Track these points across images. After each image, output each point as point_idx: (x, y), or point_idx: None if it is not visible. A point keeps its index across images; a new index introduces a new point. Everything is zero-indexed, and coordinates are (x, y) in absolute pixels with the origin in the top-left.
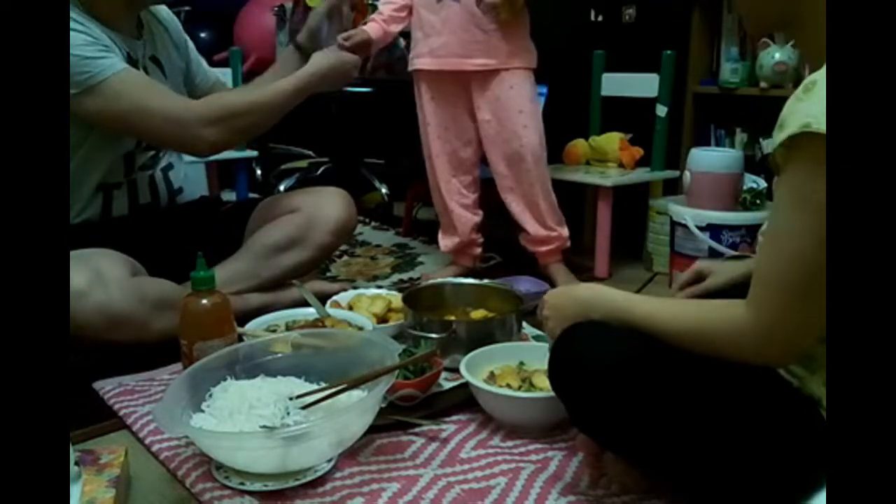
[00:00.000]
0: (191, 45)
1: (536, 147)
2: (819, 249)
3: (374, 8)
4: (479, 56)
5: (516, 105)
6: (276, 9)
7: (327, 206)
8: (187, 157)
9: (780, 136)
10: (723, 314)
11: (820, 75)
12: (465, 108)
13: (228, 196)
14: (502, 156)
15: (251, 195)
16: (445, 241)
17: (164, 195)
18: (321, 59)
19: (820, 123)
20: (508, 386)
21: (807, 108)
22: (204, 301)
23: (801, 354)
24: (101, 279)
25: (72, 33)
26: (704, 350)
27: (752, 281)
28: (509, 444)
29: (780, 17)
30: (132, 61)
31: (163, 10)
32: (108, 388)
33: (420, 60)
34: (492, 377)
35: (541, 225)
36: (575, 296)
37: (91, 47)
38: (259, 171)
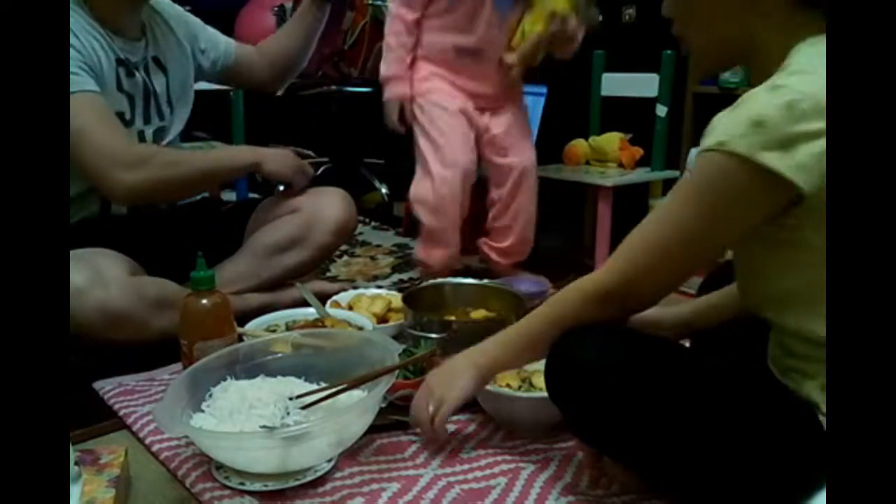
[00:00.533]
0: (201, 30)
1: (534, 165)
2: (693, 242)
3: (375, 8)
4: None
5: (517, 125)
6: (276, 9)
7: (327, 206)
8: None
9: (704, 142)
10: (576, 288)
11: (753, 91)
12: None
13: (228, 196)
14: (504, 170)
15: (251, 195)
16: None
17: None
18: (267, 153)
19: (733, 144)
20: (508, 386)
21: (726, 126)
22: (204, 301)
23: (793, 358)
24: (100, 278)
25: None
26: (570, 323)
27: (618, 248)
28: (509, 444)
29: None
30: (127, 65)
31: (164, 4)
32: (108, 388)
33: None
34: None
35: (522, 238)
36: (452, 363)
37: (71, 61)
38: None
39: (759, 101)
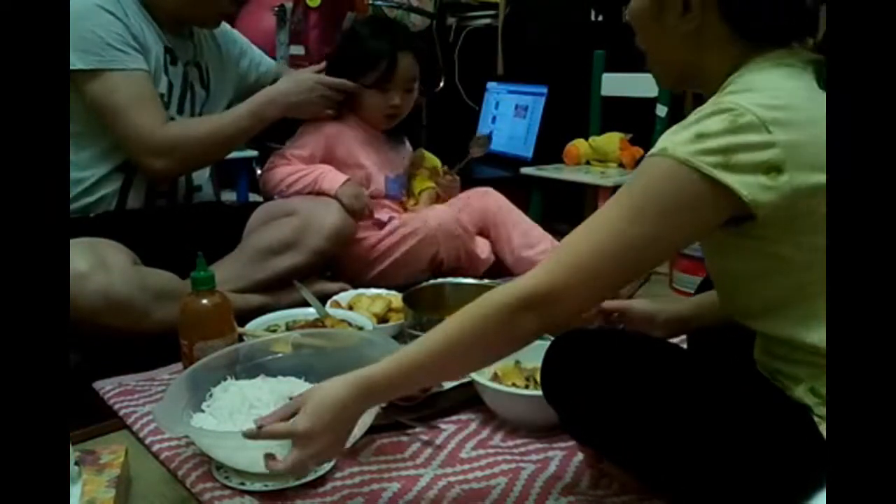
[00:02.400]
0: (247, 49)
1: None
2: (630, 249)
3: (375, 8)
4: None
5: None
6: (276, 9)
7: (324, 211)
8: None
9: (654, 147)
10: (493, 295)
11: (699, 109)
12: None
13: (229, 196)
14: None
15: (251, 195)
16: None
17: (182, 189)
18: (279, 82)
19: (674, 150)
20: (515, 385)
21: (671, 137)
22: (204, 301)
23: (779, 361)
24: (103, 263)
25: (106, 15)
26: (483, 344)
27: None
28: (509, 444)
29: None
30: (173, 54)
31: (225, 35)
32: (108, 388)
33: None
34: (496, 377)
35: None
36: (340, 403)
37: (117, 37)
38: (259, 171)
39: (703, 116)
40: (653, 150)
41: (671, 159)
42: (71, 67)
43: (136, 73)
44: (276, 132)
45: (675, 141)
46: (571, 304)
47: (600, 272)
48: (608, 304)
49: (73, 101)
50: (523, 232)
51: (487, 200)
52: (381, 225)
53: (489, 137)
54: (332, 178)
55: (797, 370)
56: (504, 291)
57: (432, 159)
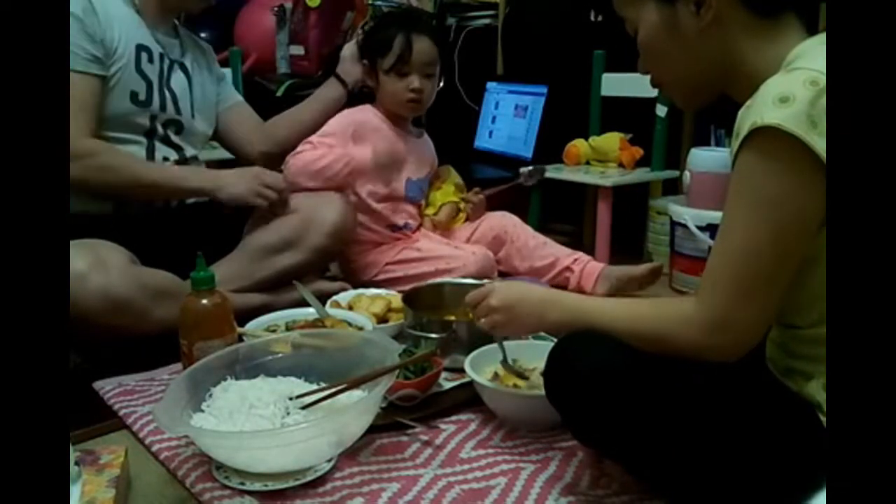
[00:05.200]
0: (227, 79)
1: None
2: (768, 244)
3: (375, 8)
4: None
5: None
6: (276, 9)
7: (324, 208)
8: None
9: (736, 143)
10: (676, 310)
11: (766, 83)
12: None
13: None
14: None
15: None
16: None
17: None
18: (224, 173)
19: (767, 119)
20: (516, 386)
21: (753, 113)
22: (204, 301)
23: (795, 358)
24: (102, 263)
25: (77, 10)
26: (661, 347)
27: (703, 276)
28: (509, 444)
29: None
30: (150, 52)
31: (206, 46)
32: (108, 388)
33: None
34: (496, 377)
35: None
36: (529, 293)
37: (80, 34)
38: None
39: (777, 83)
40: (745, 131)
41: (763, 132)
42: None
43: (76, 76)
44: None
45: (759, 114)
46: (747, 326)
47: (756, 285)
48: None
49: None
50: (541, 243)
51: (505, 221)
52: (394, 228)
53: (543, 171)
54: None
55: (813, 366)
56: (685, 316)
57: (457, 176)
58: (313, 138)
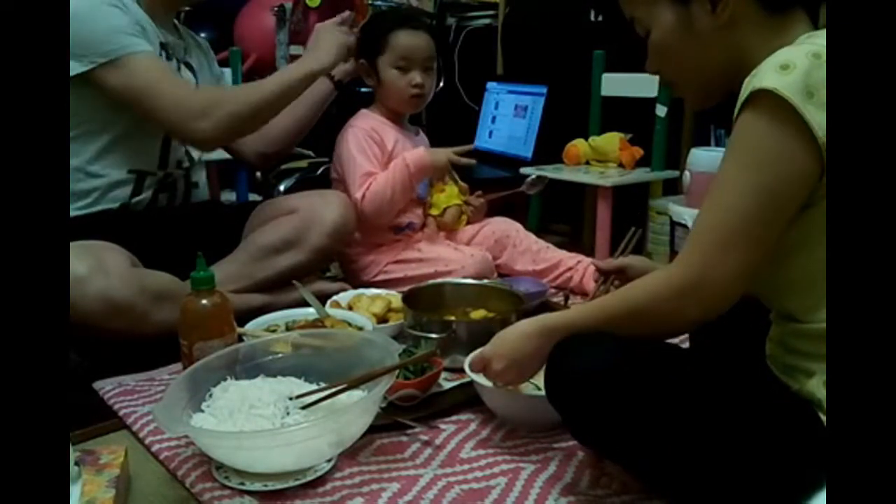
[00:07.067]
0: (224, 78)
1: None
2: (752, 201)
3: (375, 8)
4: None
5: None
6: (276, 9)
7: (325, 208)
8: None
9: (738, 108)
10: (653, 277)
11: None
12: None
13: (228, 196)
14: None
15: (251, 195)
16: None
17: (182, 186)
18: (305, 53)
19: (766, 83)
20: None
21: (755, 79)
22: (204, 301)
23: (795, 355)
24: (102, 267)
25: (111, 8)
26: (643, 321)
27: (688, 237)
28: (509, 444)
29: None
30: (166, 49)
31: (204, 43)
32: (108, 388)
33: None
34: None
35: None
36: (519, 340)
37: (126, 25)
38: (259, 171)
39: (783, 52)
40: (746, 94)
41: (760, 96)
42: (91, 65)
43: (153, 55)
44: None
45: (759, 81)
46: (721, 288)
47: (737, 246)
48: (608, 262)
49: (94, 99)
50: (543, 247)
51: (507, 226)
52: (397, 230)
53: (546, 181)
54: (414, 155)
55: (813, 364)
56: (657, 277)
57: (457, 179)
58: (359, 175)
